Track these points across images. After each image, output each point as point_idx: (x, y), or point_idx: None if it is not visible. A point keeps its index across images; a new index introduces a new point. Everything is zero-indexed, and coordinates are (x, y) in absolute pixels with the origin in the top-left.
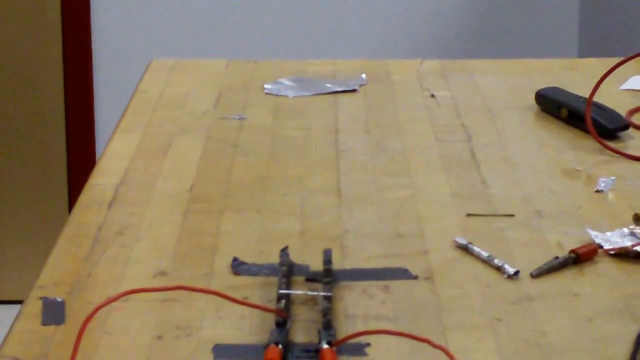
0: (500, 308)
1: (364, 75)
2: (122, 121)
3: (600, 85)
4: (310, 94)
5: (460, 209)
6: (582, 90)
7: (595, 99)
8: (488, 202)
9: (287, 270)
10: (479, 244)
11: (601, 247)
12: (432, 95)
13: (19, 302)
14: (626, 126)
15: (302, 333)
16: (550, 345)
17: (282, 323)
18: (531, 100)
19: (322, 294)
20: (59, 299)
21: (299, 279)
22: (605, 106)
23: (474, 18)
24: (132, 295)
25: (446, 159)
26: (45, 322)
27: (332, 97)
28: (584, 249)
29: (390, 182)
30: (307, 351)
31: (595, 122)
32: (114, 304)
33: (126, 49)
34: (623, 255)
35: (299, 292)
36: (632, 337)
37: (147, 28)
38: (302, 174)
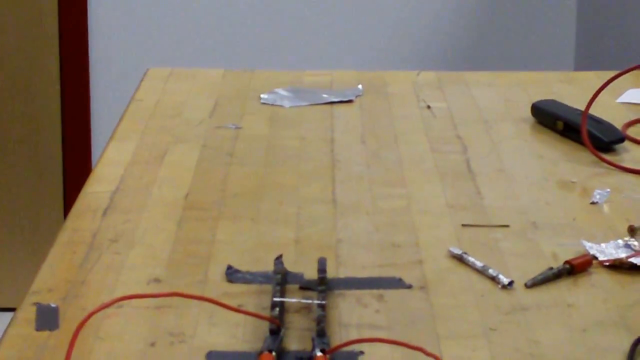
0: (494, 318)
1: (360, 86)
2: (118, 129)
3: (597, 98)
4: (307, 104)
5: (455, 220)
6: (578, 103)
7: (591, 111)
8: (483, 213)
9: (282, 279)
10: (473, 254)
11: (596, 258)
12: (428, 107)
13: (12, 309)
14: (622, 139)
15: (295, 341)
16: (543, 355)
17: (276, 331)
18: (527, 112)
19: (316, 302)
20: (53, 305)
21: (293, 287)
22: (601, 119)
23: (470, 30)
24: (126, 302)
25: (441, 169)
26: (39, 328)
27: (328, 107)
28: (579, 260)
29: (386, 192)
30: (301, 359)
31: (591, 135)
32: (107, 310)
33: (123, 57)
34: (617, 266)
35: (293, 300)
36: (626, 348)
37: (144, 37)
38: (297, 183)
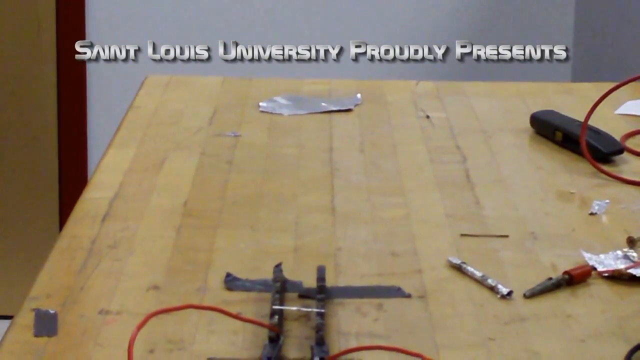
0: (493, 328)
1: (359, 95)
2: (116, 136)
3: (596, 110)
4: (305, 112)
5: (454, 229)
6: (576, 114)
7: (590, 123)
8: (482, 223)
9: (281, 287)
10: (472, 264)
11: (595, 269)
12: (427, 116)
13: (9, 317)
14: (621, 150)
15: (294, 349)
16: None
17: (275, 338)
18: (526, 123)
19: (315, 310)
20: (51, 311)
21: (292, 295)
22: (600, 130)
23: (469, 40)
24: (125, 308)
25: (440, 179)
26: (37, 334)
27: (327, 116)
28: (578, 271)
29: (385, 201)
30: None
31: (590, 146)
32: (106, 316)
33: (121, 64)
34: (616, 277)
35: (292, 308)
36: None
37: (143, 44)
38: (296, 191)
